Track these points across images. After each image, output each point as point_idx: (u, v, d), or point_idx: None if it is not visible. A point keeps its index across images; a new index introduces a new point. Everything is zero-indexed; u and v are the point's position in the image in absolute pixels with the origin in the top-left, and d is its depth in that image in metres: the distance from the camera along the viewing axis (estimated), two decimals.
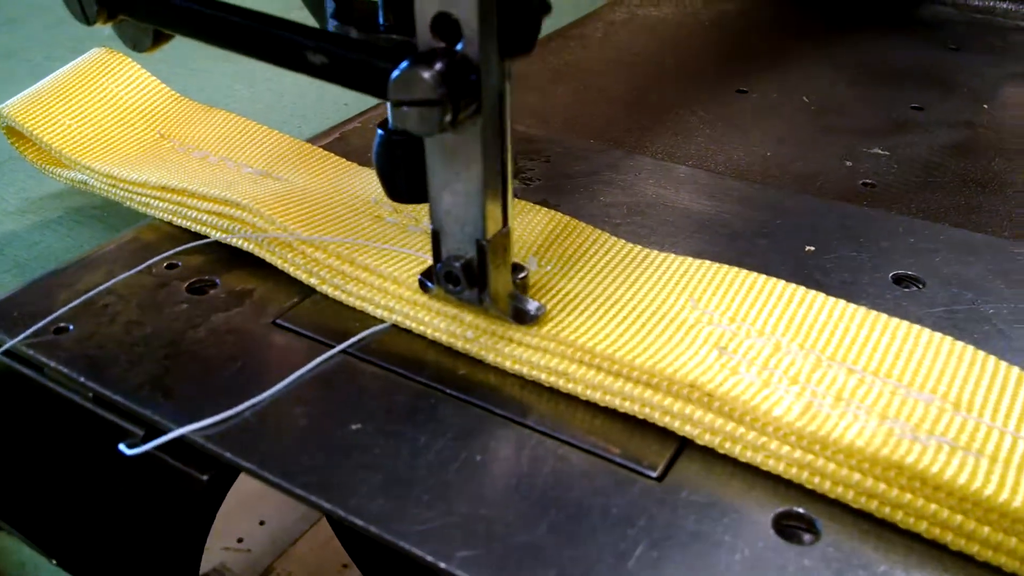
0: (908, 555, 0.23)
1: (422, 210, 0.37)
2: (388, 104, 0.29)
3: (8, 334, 0.32)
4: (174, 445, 0.28)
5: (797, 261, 0.35)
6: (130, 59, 0.49)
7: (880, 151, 0.50)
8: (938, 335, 0.29)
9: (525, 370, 0.29)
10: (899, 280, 0.35)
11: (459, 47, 0.25)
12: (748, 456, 0.26)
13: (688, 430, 0.27)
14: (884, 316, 0.30)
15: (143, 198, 0.40)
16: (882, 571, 0.23)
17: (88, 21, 0.30)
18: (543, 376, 0.29)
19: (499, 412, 0.28)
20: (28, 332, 0.32)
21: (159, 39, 0.32)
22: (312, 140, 0.47)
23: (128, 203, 0.41)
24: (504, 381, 0.30)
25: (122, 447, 0.27)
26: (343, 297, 0.33)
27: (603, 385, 0.28)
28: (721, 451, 0.26)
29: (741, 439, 0.26)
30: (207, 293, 0.34)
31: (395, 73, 0.24)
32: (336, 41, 0.27)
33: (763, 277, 0.32)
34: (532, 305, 0.30)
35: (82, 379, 0.30)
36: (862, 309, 0.30)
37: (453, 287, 0.29)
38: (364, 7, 0.30)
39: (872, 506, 0.24)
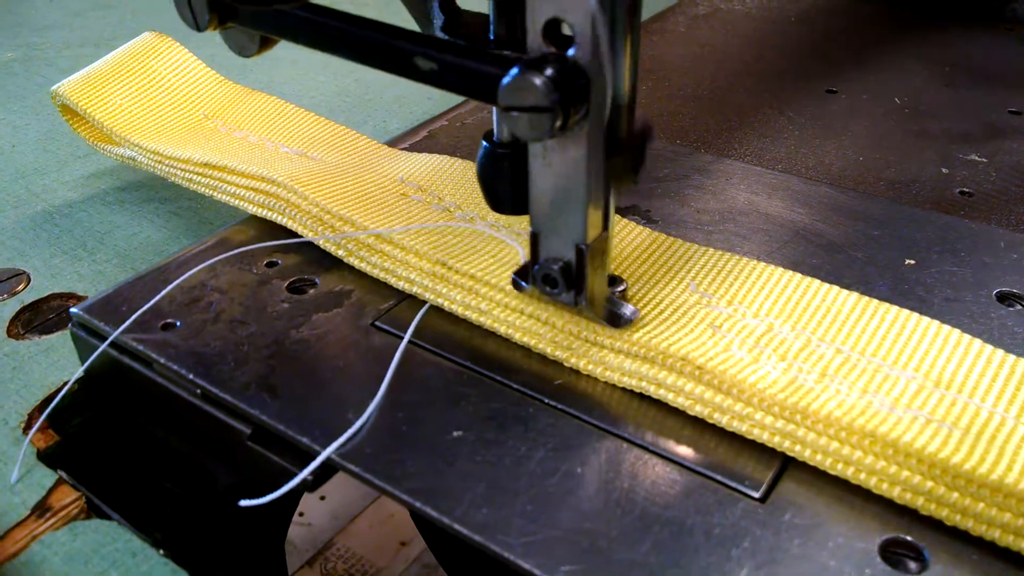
0: None
1: (445, 192, 0.39)
2: (494, 111, 0.29)
3: (116, 328, 0.33)
4: (281, 443, 0.29)
5: (897, 275, 0.35)
6: (178, 43, 0.51)
7: (977, 158, 0.49)
8: (926, 319, 0.30)
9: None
10: (1003, 298, 0.34)
11: (570, 52, 0.25)
12: (735, 426, 0.27)
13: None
14: (875, 301, 0.31)
15: (186, 174, 0.42)
16: None
17: (199, 27, 0.31)
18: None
19: (597, 424, 0.28)
20: (127, 321, 0.33)
21: (264, 44, 0.33)
22: (401, 138, 0.48)
23: (172, 179, 0.43)
24: (602, 392, 0.30)
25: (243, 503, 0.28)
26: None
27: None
28: (710, 421, 0.28)
29: (728, 410, 0.27)
30: (307, 293, 0.35)
31: (506, 79, 0.25)
32: (446, 47, 0.27)
33: (762, 264, 0.33)
34: (627, 309, 0.30)
35: (191, 376, 0.31)
36: (854, 295, 0.31)
37: (550, 289, 0.29)
38: (473, 20, 0.30)
39: (848, 472, 0.25)
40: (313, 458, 0.28)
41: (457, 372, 0.31)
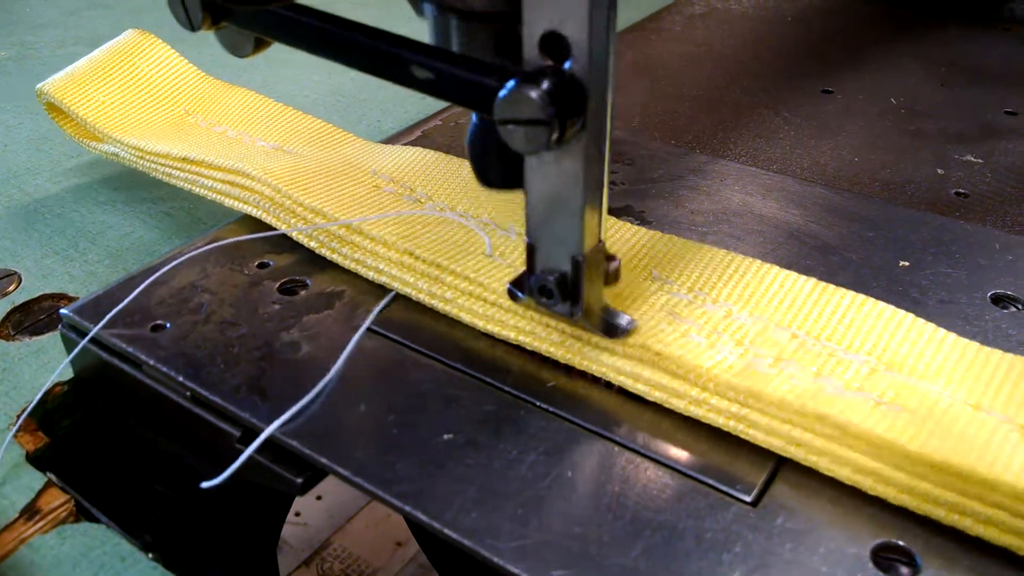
0: None
1: (417, 183, 0.39)
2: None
3: (106, 329, 0.33)
4: (270, 447, 0.29)
5: (891, 277, 0.35)
6: (161, 41, 0.52)
7: (973, 158, 0.48)
8: (880, 303, 0.31)
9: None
10: (997, 300, 0.34)
11: (566, 65, 0.25)
12: (691, 411, 0.28)
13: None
14: (831, 286, 0.32)
15: (166, 168, 0.43)
16: None
17: (193, 27, 0.31)
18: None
19: (589, 426, 0.28)
20: (102, 319, 0.32)
21: (259, 46, 0.33)
22: (395, 137, 0.48)
23: (153, 173, 0.44)
24: (593, 394, 0.30)
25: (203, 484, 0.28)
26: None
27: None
28: (667, 407, 0.28)
29: (685, 395, 0.28)
30: (298, 294, 0.35)
31: (503, 92, 0.24)
32: (442, 56, 0.27)
33: (722, 251, 0.34)
34: (623, 319, 0.30)
35: (180, 378, 0.31)
36: (812, 280, 0.32)
37: (546, 300, 0.29)
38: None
39: (800, 455, 0.26)
40: (304, 461, 0.28)
41: (448, 374, 0.31)
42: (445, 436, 0.28)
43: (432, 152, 0.42)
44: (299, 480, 0.28)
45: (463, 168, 0.41)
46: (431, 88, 0.27)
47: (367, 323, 0.32)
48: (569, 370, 0.31)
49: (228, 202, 0.40)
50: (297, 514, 0.68)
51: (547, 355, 0.31)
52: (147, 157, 0.44)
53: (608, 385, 0.30)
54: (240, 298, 0.35)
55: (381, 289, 0.35)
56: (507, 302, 0.31)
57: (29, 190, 0.51)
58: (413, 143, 0.47)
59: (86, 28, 0.78)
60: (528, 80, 0.24)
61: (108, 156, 0.47)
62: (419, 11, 0.29)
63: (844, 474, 0.25)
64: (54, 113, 0.50)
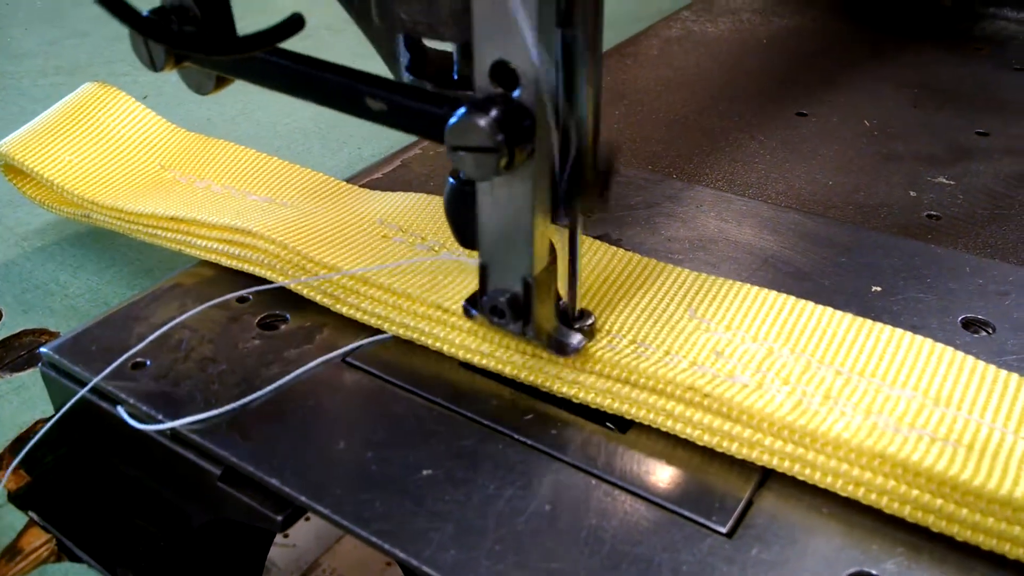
0: None
1: (428, 231, 0.38)
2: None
3: (87, 368, 0.33)
4: (250, 484, 0.29)
5: (863, 303, 0.35)
6: (123, 92, 0.49)
7: (945, 180, 0.49)
8: (919, 338, 0.31)
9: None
10: (968, 324, 0.34)
11: (515, 93, 0.25)
12: (744, 453, 0.28)
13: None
14: (869, 321, 0.32)
15: (151, 229, 0.40)
16: None
17: (155, 67, 0.31)
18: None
19: (567, 460, 0.29)
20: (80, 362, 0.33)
21: (220, 83, 0.33)
22: (374, 167, 0.48)
23: (135, 235, 0.41)
24: (570, 427, 0.30)
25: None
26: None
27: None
28: (719, 450, 0.28)
29: (737, 437, 0.28)
30: (278, 328, 0.35)
31: (452, 120, 0.25)
32: (394, 88, 0.27)
33: (756, 288, 0.34)
34: (574, 339, 0.30)
35: (160, 417, 0.31)
36: (848, 315, 0.32)
37: (498, 319, 0.30)
38: (439, 60, 0.30)
39: (859, 493, 0.26)
40: (283, 500, 0.28)
41: (428, 408, 0.31)
42: (424, 472, 0.28)
43: (435, 197, 0.41)
44: (279, 518, 0.29)
45: None
46: (385, 119, 0.27)
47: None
48: (546, 402, 0.31)
49: (226, 262, 0.38)
50: (286, 536, 0.68)
51: (581, 401, 0.30)
52: (125, 217, 0.42)
53: (588, 416, 0.30)
54: (220, 334, 0.35)
55: (359, 324, 0.35)
56: (549, 353, 0.31)
57: (9, 223, 0.51)
58: (392, 172, 0.48)
59: (67, 57, 0.78)
60: (477, 108, 0.24)
61: (79, 219, 0.45)
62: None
63: (906, 512, 0.25)
64: (12, 175, 0.47)
